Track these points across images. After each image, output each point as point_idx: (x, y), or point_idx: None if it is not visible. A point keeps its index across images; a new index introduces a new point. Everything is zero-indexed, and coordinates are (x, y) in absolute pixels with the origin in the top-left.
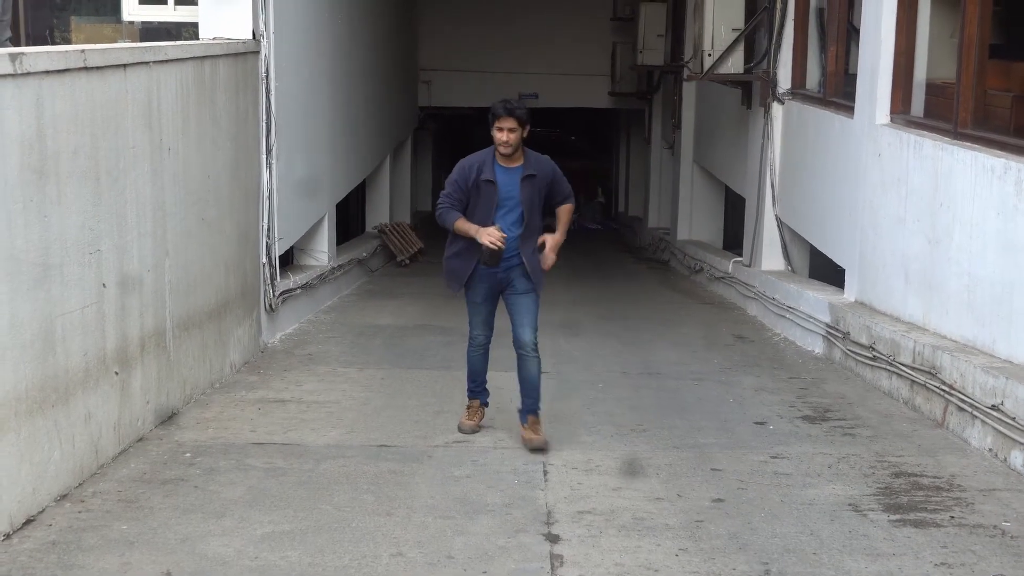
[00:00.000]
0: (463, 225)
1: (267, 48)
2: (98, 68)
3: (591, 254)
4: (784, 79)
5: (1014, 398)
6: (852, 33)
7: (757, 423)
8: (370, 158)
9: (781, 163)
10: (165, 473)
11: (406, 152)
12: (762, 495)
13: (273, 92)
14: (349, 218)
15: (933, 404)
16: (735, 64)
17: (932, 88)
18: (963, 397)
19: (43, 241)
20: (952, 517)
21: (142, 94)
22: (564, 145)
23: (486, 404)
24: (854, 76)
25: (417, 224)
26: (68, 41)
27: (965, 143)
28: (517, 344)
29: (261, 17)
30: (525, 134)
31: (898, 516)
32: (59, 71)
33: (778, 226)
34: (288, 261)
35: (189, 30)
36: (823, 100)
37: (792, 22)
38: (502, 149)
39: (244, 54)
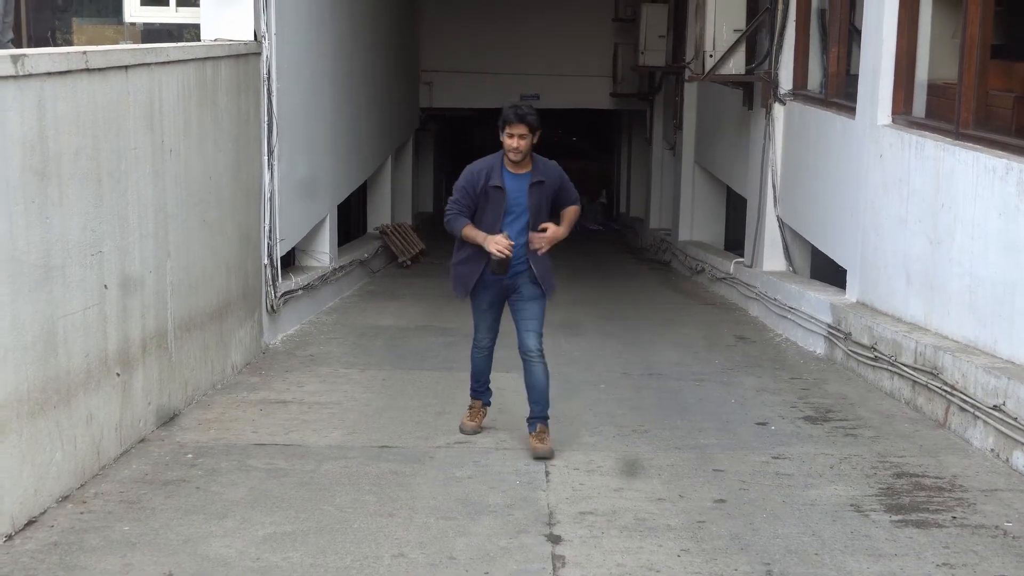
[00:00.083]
0: (471, 232)
1: (268, 49)
2: (100, 70)
3: (592, 255)
4: (785, 80)
5: (1016, 398)
6: (854, 34)
7: (759, 424)
8: (371, 159)
9: (782, 164)
10: (167, 474)
11: (407, 153)
12: (764, 496)
13: (275, 93)
14: (350, 219)
15: (935, 404)
16: (736, 65)
17: (934, 89)
18: (965, 397)
19: (45, 242)
20: (954, 517)
21: (144, 95)
22: (565, 146)
23: (488, 404)
24: (856, 77)
25: (418, 225)
26: (70, 43)
27: (967, 144)
28: (522, 350)
29: (263, 18)
30: (535, 140)
31: (900, 516)
32: (61, 73)
33: (779, 227)
34: (289, 262)
35: (191, 31)
36: (825, 101)
37: (794, 23)
38: (512, 156)
39: (246, 55)
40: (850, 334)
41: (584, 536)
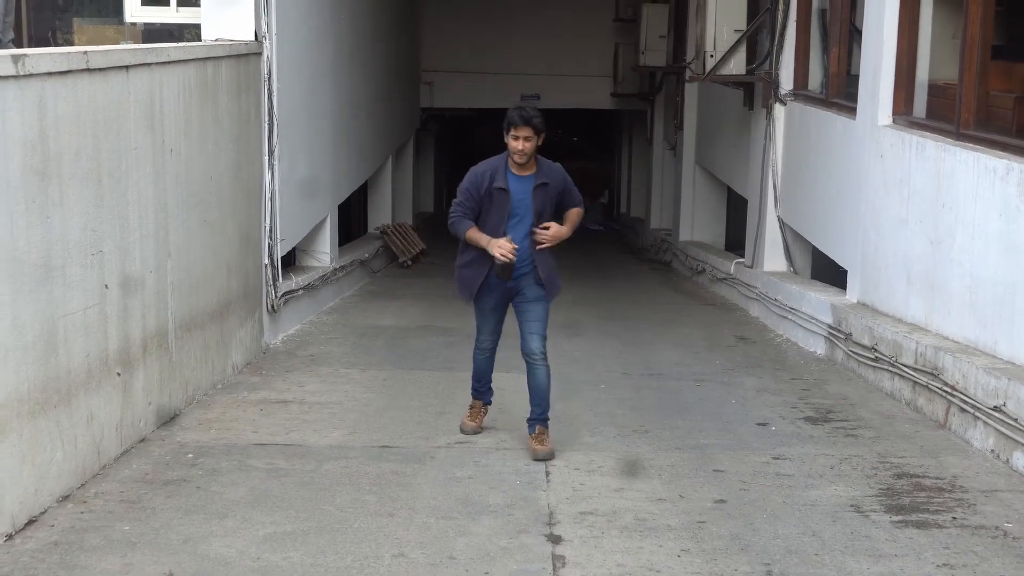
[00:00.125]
0: (474, 235)
1: (269, 49)
2: (100, 69)
3: (593, 255)
4: (786, 80)
5: (1016, 399)
6: (854, 34)
7: (759, 424)
8: (372, 159)
9: (783, 164)
10: (167, 474)
11: (408, 153)
12: (764, 496)
13: (275, 93)
14: (351, 219)
15: (935, 405)
16: (737, 65)
17: (934, 89)
18: (965, 398)
19: (45, 242)
20: (954, 518)
21: (144, 95)
22: (566, 146)
23: (489, 403)
24: (856, 77)
25: (419, 225)
26: (70, 42)
27: (967, 144)
28: (525, 352)
29: (263, 18)
30: (540, 142)
31: (900, 517)
32: (61, 73)
33: (780, 227)
34: (290, 262)
35: (191, 31)
36: (825, 101)
37: (794, 23)
38: (517, 158)
39: (246, 55)
40: (851, 335)
41: (584, 536)
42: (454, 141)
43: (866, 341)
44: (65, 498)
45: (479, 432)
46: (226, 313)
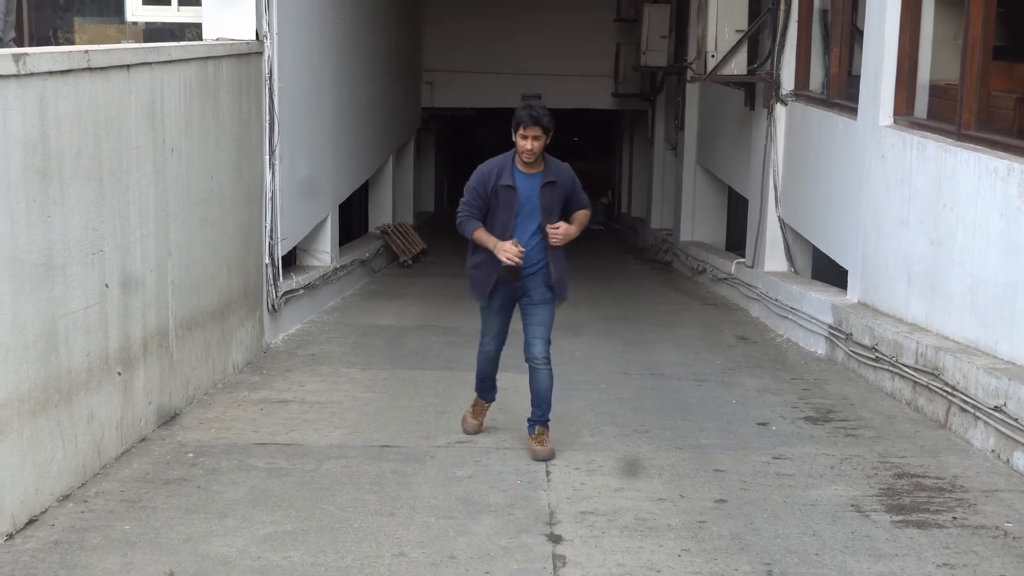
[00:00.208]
0: (481, 236)
1: (270, 49)
2: (101, 69)
3: (594, 255)
4: (787, 80)
5: (1016, 399)
6: (856, 35)
7: (759, 424)
8: (373, 159)
9: (784, 164)
10: (167, 473)
11: (409, 153)
12: (764, 496)
13: (276, 93)
14: (352, 219)
15: (936, 405)
16: (738, 65)
17: (936, 90)
18: (966, 398)
19: (46, 241)
20: (954, 518)
21: (145, 95)
22: (567, 146)
23: (493, 400)
24: (857, 77)
25: (420, 225)
26: (71, 42)
27: (968, 145)
28: (529, 357)
29: (264, 18)
30: (548, 141)
31: (900, 517)
32: (62, 72)
33: (781, 227)
34: (291, 262)
35: (193, 31)
36: (826, 101)
37: (796, 23)
38: (525, 157)
39: (247, 55)
40: (851, 335)
41: (585, 536)
42: (455, 141)
43: (867, 341)
44: (66, 497)
45: (480, 431)
46: (227, 312)
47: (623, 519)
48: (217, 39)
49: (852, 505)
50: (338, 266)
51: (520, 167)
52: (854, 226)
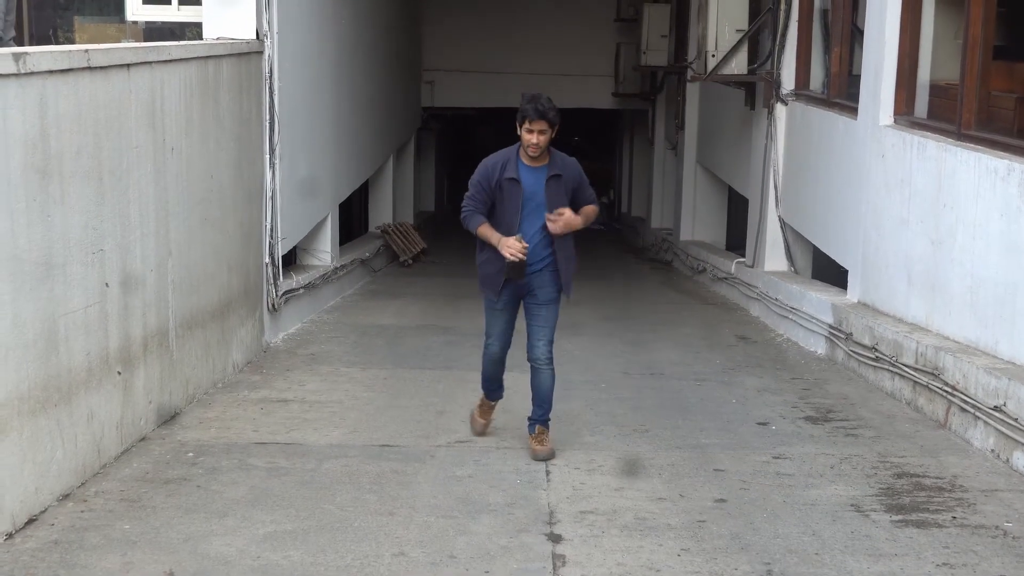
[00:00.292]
0: (486, 231)
1: (271, 48)
2: (101, 68)
3: (594, 254)
4: (788, 80)
5: (1016, 399)
6: (856, 34)
7: (759, 423)
8: (373, 158)
9: (784, 164)
10: (167, 473)
11: (409, 152)
12: (764, 495)
13: (276, 92)
14: (352, 218)
15: (935, 405)
16: (739, 65)
17: (936, 89)
18: (965, 398)
19: (46, 240)
20: (954, 518)
21: (145, 94)
22: (567, 146)
23: (499, 399)
24: (858, 77)
25: (420, 224)
26: (72, 41)
27: (969, 144)
28: (531, 357)
29: (265, 17)
30: (553, 135)
31: (900, 517)
32: (63, 71)
33: (781, 227)
34: (291, 261)
35: (193, 30)
36: (827, 101)
37: (796, 23)
38: (531, 151)
39: (248, 54)
40: (851, 334)
41: (584, 535)
42: (455, 140)
43: (867, 341)
44: (65, 497)
45: (487, 430)
46: (227, 312)
47: (623, 518)
48: (217, 38)
49: (852, 505)
50: (338, 265)
51: (525, 161)
52: (854, 226)
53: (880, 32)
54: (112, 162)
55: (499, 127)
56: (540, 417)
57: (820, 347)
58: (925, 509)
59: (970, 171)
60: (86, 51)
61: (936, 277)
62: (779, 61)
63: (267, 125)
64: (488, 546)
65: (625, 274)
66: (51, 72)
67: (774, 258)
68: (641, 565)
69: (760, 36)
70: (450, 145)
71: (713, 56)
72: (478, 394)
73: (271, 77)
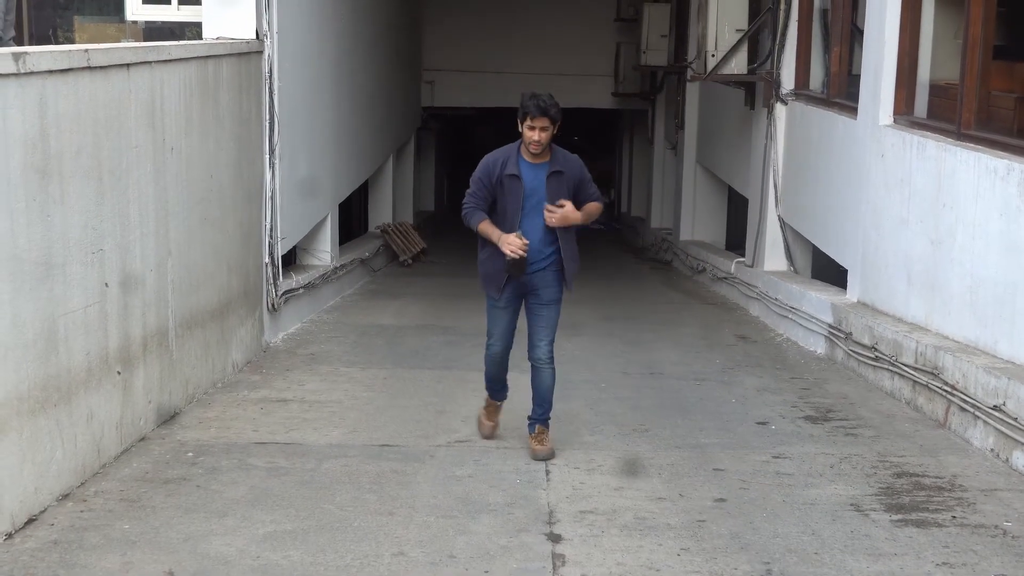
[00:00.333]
0: (486, 228)
1: (270, 48)
2: (101, 68)
3: (593, 254)
4: (787, 80)
5: (1016, 399)
6: (856, 34)
7: (759, 423)
8: (373, 158)
9: (784, 164)
10: (167, 472)
11: (409, 152)
12: (764, 495)
13: (276, 92)
14: (352, 218)
15: (935, 404)
16: (739, 65)
17: (936, 89)
18: (965, 397)
19: (46, 240)
20: (954, 517)
21: (145, 94)
22: (567, 145)
23: (504, 399)
24: (857, 77)
25: (420, 224)
26: (71, 40)
27: (968, 144)
28: (532, 357)
29: (264, 17)
30: (555, 132)
31: (900, 516)
32: (62, 70)
33: (781, 227)
34: (291, 261)
35: (193, 30)
36: (826, 101)
37: (796, 23)
38: (532, 148)
39: (247, 54)
40: (851, 334)
41: (584, 535)
42: (455, 140)
43: (866, 340)
44: (65, 497)
45: (495, 433)
46: (226, 311)
47: (622, 518)
48: (217, 38)
49: (851, 504)
50: (338, 265)
51: (526, 157)
52: (854, 225)
53: (880, 32)
54: (112, 162)
55: (499, 127)
56: (540, 416)
57: (820, 347)
58: (925, 508)
59: (970, 171)
60: (86, 51)
61: (936, 277)
62: (779, 61)
63: (267, 125)
64: (488, 546)
65: (625, 274)
66: (51, 72)
67: (774, 258)
68: (641, 565)
69: (760, 36)
70: (450, 145)
71: (713, 56)
72: (478, 394)
73: (271, 77)
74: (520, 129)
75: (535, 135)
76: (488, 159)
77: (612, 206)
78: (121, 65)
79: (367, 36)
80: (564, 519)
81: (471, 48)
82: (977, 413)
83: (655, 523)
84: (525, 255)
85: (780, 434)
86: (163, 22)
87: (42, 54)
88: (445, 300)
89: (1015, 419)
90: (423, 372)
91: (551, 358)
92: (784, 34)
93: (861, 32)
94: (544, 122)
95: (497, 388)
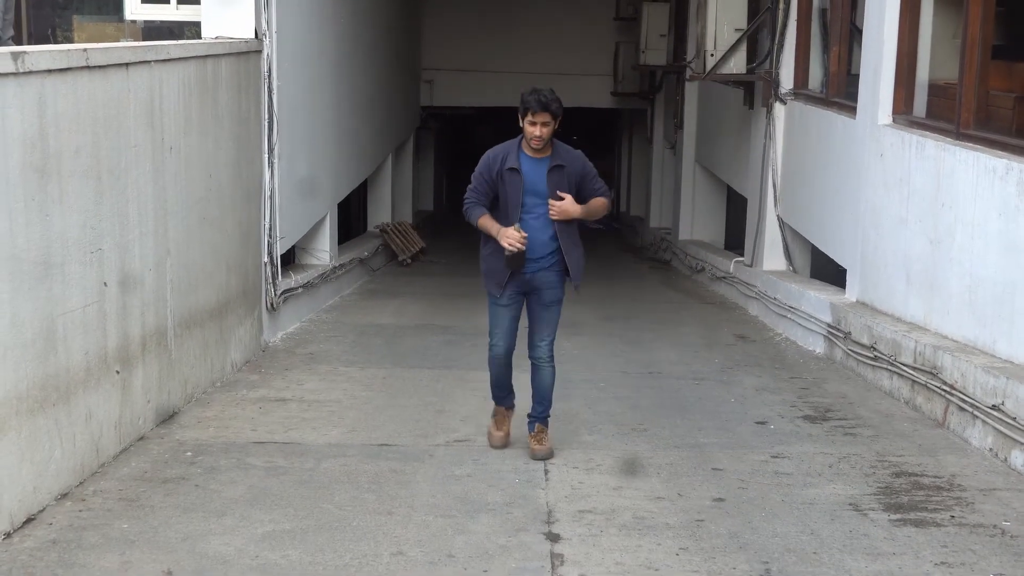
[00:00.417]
0: (486, 223)
1: (269, 47)
2: (100, 67)
3: (593, 253)
4: (786, 79)
5: (1015, 398)
6: (855, 33)
7: (758, 423)
8: (372, 157)
9: (783, 163)
10: (166, 472)
11: (408, 151)
12: (763, 494)
13: (275, 91)
14: (351, 217)
15: (934, 404)
16: (738, 64)
17: (934, 89)
18: (964, 397)
19: (44, 240)
20: (952, 517)
21: (144, 93)
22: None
23: (512, 407)
24: (856, 76)
25: (419, 224)
26: (70, 40)
27: (967, 144)
28: (533, 356)
29: (263, 16)
30: (557, 127)
31: (898, 516)
32: (61, 70)
33: (780, 226)
34: (290, 260)
35: (192, 29)
36: (825, 100)
37: (795, 22)
38: (533, 144)
39: (246, 53)
40: (850, 333)
41: (583, 534)
42: (454, 139)
43: (865, 340)
44: (64, 496)
45: (507, 443)
46: (225, 311)
47: (621, 518)
48: (216, 38)
49: (850, 504)
50: (337, 265)
51: (527, 151)
52: (853, 225)
53: (879, 31)
54: (111, 161)
55: (498, 126)
56: (540, 414)
57: (819, 346)
58: (923, 508)
59: (969, 170)
60: (85, 50)
61: (935, 276)
62: (778, 60)
63: (266, 124)
64: (486, 545)
65: (624, 273)
66: (50, 71)
67: (773, 257)
68: (639, 564)
69: (759, 35)
70: (449, 144)
71: (712, 55)
72: (477, 393)
73: (270, 76)
74: (521, 125)
75: (536, 130)
76: (489, 154)
77: (611, 205)
78: (120, 64)
79: (366, 35)
80: (563, 519)
81: (470, 47)
82: (976, 413)
83: (654, 523)
84: (524, 248)
85: (779, 434)
86: (162, 21)
87: (41, 53)
88: (444, 299)
89: (1014, 418)
90: (422, 371)
91: (551, 356)
92: (783, 33)
93: (860, 31)
94: (545, 117)
95: (503, 394)
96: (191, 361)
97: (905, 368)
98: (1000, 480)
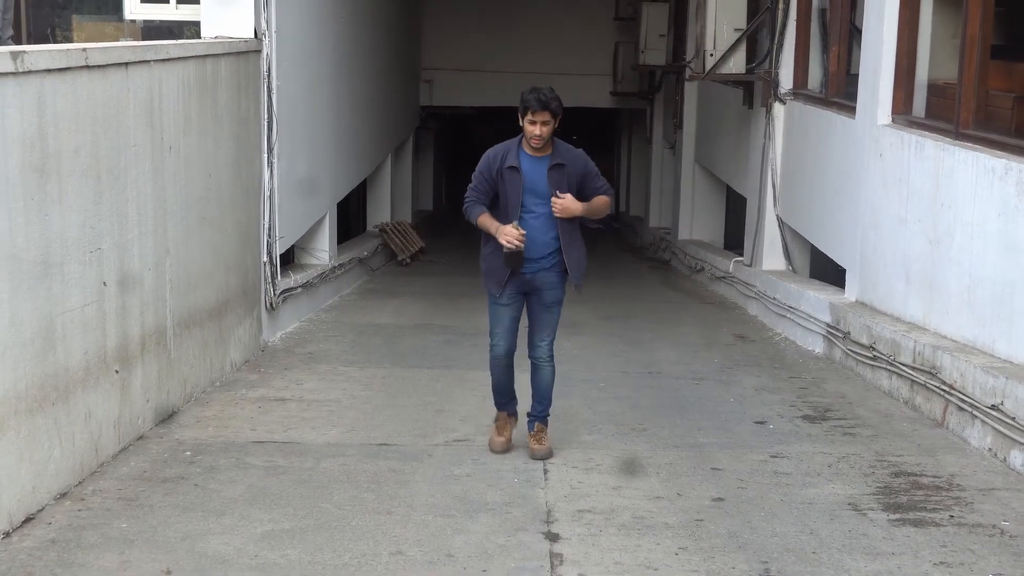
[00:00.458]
0: (485, 221)
1: (269, 47)
2: (100, 67)
3: (592, 253)
4: (786, 79)
5: (1014, 398)
6: (854, 33)
7: (757, 422)
8: (371, 157)
9: (782, 163)
10: (165, 471)
11: (407, 151)
12: (762, 494)
13: (275, 91)
14: (350, 217)
15: (933, 404)
16: (737, 64)
17: (934, 88)
18: (963, 397)
19: (44, 239)
20: (951, 516)
21: (144, 93)
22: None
23: (515, 413)
24: (856, 76)
25: (418, 223)
26: (70, 40)
27: (966, 144)
28: (533, 356)
29: (263, 16)
30: (557, 126)
31: (897, 515)
32: (61, 69)
33: (779, 226)
34: (289, 260)
35: (191, 29)
36: (825, 100)
37: (794, 22)
38: (533, 143)
39: (246, 53)
40: (849, 333)
41: (582, 534)
42: (453, 139)
43: (864, 340)
44: (63, 496)
45: (509, 448)
46: (225, 311)
47: (621, 517)
48: (215, 37)
49: (849, 504)
50: (336, 264)
51: (527, 150)
52: (852, 225)
53: (878, 31)
54: (110, 161)
55: (498, 126)
56: (540, 413)
57: (818, 346)
58: (922, 508)
59: (968, 170)
60: (84, 50)
61: (934, 276)
62: (777, 60)
63: (265, 124)
64: (486, 545)
65: (623, 273)
66: (49, 71)
67: (772, 257)
68: (639, 564)
69: (758, 35)
70: (448, 144)
71: (711, 55)
72: (477, 393)
73: (269, 76)
74: (521, 124)
75: (536, 129)
76: (489, 153)
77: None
78: (119, 64)
79: (366, 35)
80: (562, 518)
81: (470, 47)
82: (975, 412)
83: (653, 522)
84: (522, 246)
85: (778, 433)
86: (161, 21)
87: (40, 53)
88: (443, 299)
89: (1013, 418)
90: (421, 371)
91: (551, 356)
92: (783, 33)
93: (859, 31)
94: (545, 116)
95: (505, 399)
96: (190, 361)
97: (904, 368)
98: (999, 480)
